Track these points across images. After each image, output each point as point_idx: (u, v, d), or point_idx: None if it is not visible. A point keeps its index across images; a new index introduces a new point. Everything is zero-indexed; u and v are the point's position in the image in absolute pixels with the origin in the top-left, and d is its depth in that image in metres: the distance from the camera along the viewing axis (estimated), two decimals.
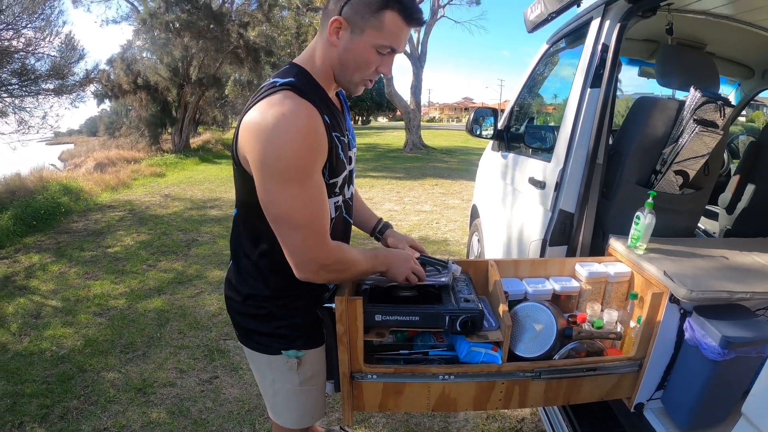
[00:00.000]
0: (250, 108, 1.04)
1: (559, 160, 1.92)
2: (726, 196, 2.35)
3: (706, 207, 2.35)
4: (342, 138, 1.15)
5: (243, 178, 1.10)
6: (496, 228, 2.82)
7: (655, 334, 1.38)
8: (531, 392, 1.34)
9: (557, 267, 1.65)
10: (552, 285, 1.56)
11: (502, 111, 3.11)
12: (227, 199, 8.04)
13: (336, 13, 1.06)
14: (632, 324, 1.47)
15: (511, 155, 2.71)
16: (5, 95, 8.35)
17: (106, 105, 21.13)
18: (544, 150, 2.29)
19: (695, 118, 1.71)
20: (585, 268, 1.57)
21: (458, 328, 1.22)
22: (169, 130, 17.40)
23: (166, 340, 3.13)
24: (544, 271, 1.64)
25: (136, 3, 16.85)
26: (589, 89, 1.83)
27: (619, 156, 1.87)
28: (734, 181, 2.32)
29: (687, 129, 1.74)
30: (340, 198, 1.20)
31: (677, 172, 1.80)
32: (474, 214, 3.61)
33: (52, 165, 12.94)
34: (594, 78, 1.82)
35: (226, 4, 16.72)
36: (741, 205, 2.25)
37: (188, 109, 17.00)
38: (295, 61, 1.16)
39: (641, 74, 3.02)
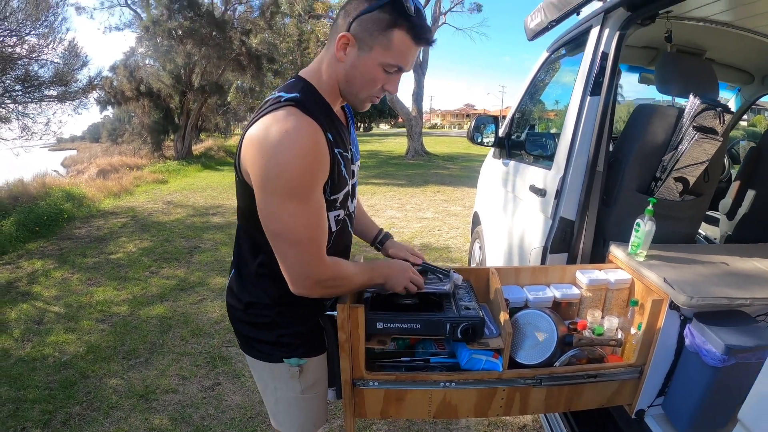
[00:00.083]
0: (254, 122, 1.04)
1: (560, 167, 1.93)
2: (726, 202, 2.35)
3: (707, 213, 2.36)
4: (345, 153, 1.15)
5: (244, 190, 1.11)
6: (497, 235, 2.83)
7: (656, 340, 1.38)
8: (532, 399, 1.35)
9: (558, 274, 1.66)
10: (553, 292, 1.57)
11: (504, 117, 3.13)
12: (229, 206, 8.06)
13: (344, 29, 1.06)
14: (633, 331, 1.48)
15: (512, 163, 2.72)
16: (9, 101, 8.39)
17: (109, 111, 21.20)
18: (545, 157, 2.30)
19: (695, 125, 1.72)
20: (585, 276, 1.57)
21: (459, 336, 1.23)
22: (172, 137, 17.46)
23: (169, 347, 3.14)
24: (545, 279, 1.65)
25: (138, 10, 16.96)
26: (588, 97, 1.84)
27: (619, 163, 1.88)
28: (735, 186, 2.32)
29: (686, 136, 1.74)
30: (342, 212, 1.21)
31: (677, 179, 1.81)
32: (476, 221, 3.62)
33: (54, 171, 12.99)
34: (594, 86, 1.83)
35: (229, 12, 16.81)
36: (742, 210, 2.26)
37: (191, 116, 17.05)
38: (302, 73, 1.16)
39: (641, 81, 3.04)
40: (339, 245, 1.26)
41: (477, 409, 1.33)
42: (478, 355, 1.28)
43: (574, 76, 2.01)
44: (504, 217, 2.70)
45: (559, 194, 1.90)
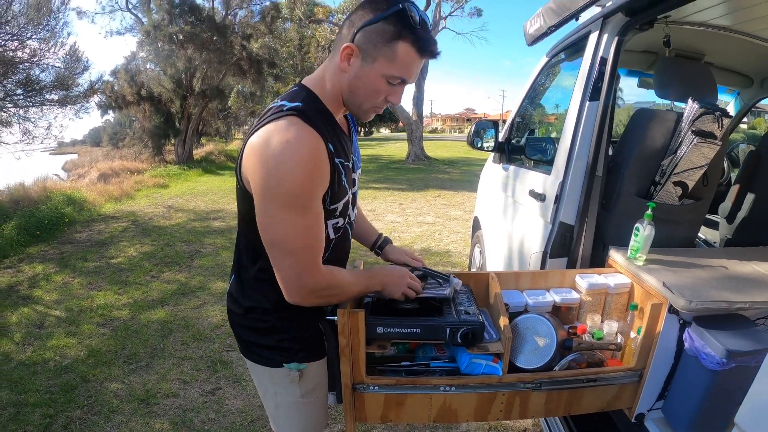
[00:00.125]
0: (256, 130, 1.04)
1: (559, 172, 1.94)
2: (726, 206, 2.36)
3: (707, 216, 2.36)
4: (346, 163, 1.15)
5: (244, 197, 1.11)
6: (497, 240, 2.84)
7: (655, 344, 1.39)
8: (532, 403, 1.35)
9: (557, 279, 1.66)
10: (552, 297, 1.57)
11: (504, 121, 3.14)
12: (230, 210, 8.07)
13: (349, 39, 1.06)
14: (632, 335, 1.48)
15: (511, 167, 2.73)
16: (10, 105, 8.40)
17: (110, 116, 21.33)
18: (544, 162, 2.31)
19: (693, 129, 1.73)
20: (585, 280, 1.58)
21: (459, 340, 1.23)
22: (173, 141, 17.51)
23: (170, 351, 3.14)
24: (545, 283, 1.65)
25: (140, 15, 17.04)
26: (588, 102, 1.85)
27: (618, 168, 1.88)
28: (734, 190, 2.33)
29: (685, 140, 1.75)
30: (341, 220, 1.21)
31: (676, 183, 1.81)
32: (476, 225, 3.63)
33: (55, 175, 12.99)
34: (593, 91, 1.84)
35: (230, 17, 16.88)
36: (741, 214, 2.26)
37: (191, 120, 17.10)
38: (305, 82, 1.16)
39: (640, 85, 3.05)
40: (338, 252, 1.26)
41: (477, 414, 1.33)
42: (477, 360, 1.28)
43: (574, 81, 2.02)
44: (504, 222, 2.71)
45: (558, 199, 1.91)
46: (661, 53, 2.55)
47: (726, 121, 1.74)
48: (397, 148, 25.58)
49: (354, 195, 1.28)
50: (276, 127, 1.01)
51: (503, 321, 1.29)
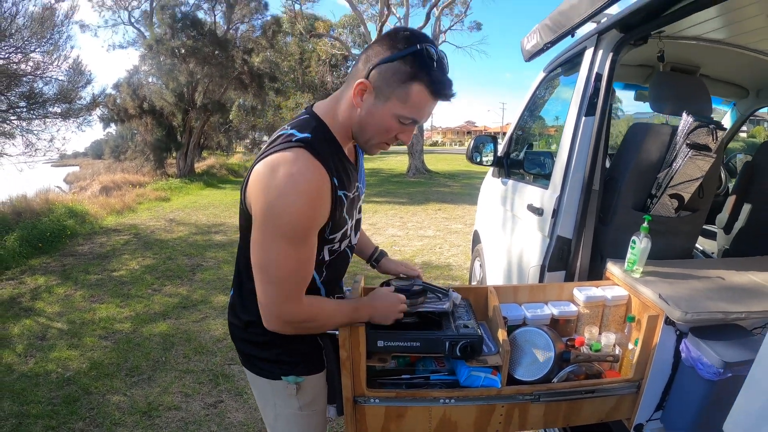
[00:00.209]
0: (264, 156, 1.05)
1: (556, 187, 1.97)
2: (723, 217, 2.38)
3: (705, 227, 2.38)
4: (349, 194, 1.16)
5: (246, 217, 1.12)
6: (497, 254, 2.86)
7: (652, 355, 1.40)
8: (531, 415, 1.36)
9: (555, 292, 1.68)
10: (550, 310, 1.59)
11: (504, 134, 3.17)
12: (232, 224, 8.10)
13: (363, 75, 1.06)
14: (630, 346, 1.50)
15: (510, 182, 2.76)
16: (13, 118, 8.45)
17: (112, 129, 21.46)
18: (542, 177, 2.34)
19: (688, 142, 1.76)
20: (583, 293, 1.60)
21: (458, 353, 1.25)
22: (174, 155, 17.58)
23: (171, 364, 3.15)
24: (543, 296, 1.67)
25: (142, 29, 17.27)
26: (584, 117, 1.88)
27: (615, 182, 1.91)
28: (731, 201, 2.35)
29: (680, 153, 1.78)
30: (340, 244, 1.21)
31: (672, 196, 1.84)
32: (476, 239, 3.65)
33: (57, 187, 13.02)
34: (588, 106, 1.87)
35: (231, 31, 17.04)
36: (738, 224, 2.28)
37: (193, 133, 17.19)
38: (316, 109, 1.16)
39: (637, 98, 3.09)
40: (333, 273, 1.27)
41: (476, 426, 1.35)
42: (477, 372, 1.30)
43: (570, 96, 2.05)
44: (503, 236, 2.73)
45: (556, 213, 1.94)
46: (656, 67, 2.59)
47: (720, 133, 1.77)
48: (398, 162, 25.67)
49: (357, 221, 1.29)
50: (283, 158, 1.01)
51: (502, 334, 1.31)
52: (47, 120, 9.12)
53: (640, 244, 1.60)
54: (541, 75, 2.74)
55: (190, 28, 15.41)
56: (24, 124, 8.69)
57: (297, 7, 19.54)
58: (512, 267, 2.46)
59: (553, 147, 2.16)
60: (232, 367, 3.10)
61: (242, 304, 1.25)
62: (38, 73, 8.44)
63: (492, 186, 3.22)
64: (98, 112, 14.21)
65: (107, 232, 7.48)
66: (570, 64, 2.31)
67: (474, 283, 3.67)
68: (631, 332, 1.53)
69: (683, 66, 2.46)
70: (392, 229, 7.61)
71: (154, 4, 16.72)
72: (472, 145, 2.95)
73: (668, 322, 1.40)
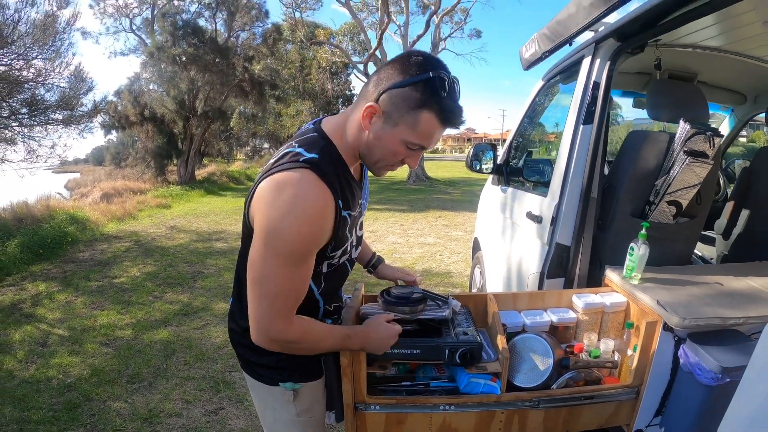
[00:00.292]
0: (271, 172, 1.04)
1: (555, 195, 1.98)
2: (721, 222, 2.39)
3: (704, 233, 2.39)
4: (352, 213, 1.16)
5: (248, 228, 1.12)
6: (497, 261, 2.87)
7: (651, 361, 1.41)
8: (530, 421, 1.37)
9: (554, 299, 1.69)
10: (549, 317, 1.60)
11: (504, 141, 3.19)
12: (232, 231, 8.11)
13: (373, 98, 1.05)
14: (629, 352, 1.51)
15: (509, 189, 2.77)
16: (15, 124, 8.47)
17: (113, 135, 21.45)
18: (541, 184, 2.35)
19: (685, 149, 1.77)
20: (581, 300, 1.61)
21: (458, 360, 1.26)
22: (175, 162, 17.60)
23: (172, 371, 3.16)
24: (542, 304, 1.68)
25: (143, 36, 17.33)
26: (582, 126, 1.90)
27: (613, 189, 1.93)
28: (729, 206, 2.36)
29: (678, 160, 1.79)
30: (338, 259, 1.21)
31: (670, 203, 1.85)
32: (476, 246, 3.66)
33: (58, 194, 13.05)
34: (586, 115, 1.89)
35: (232, 39, 17.11)
36: (736, 230, 2.29)
37: (194, 141, 17.22)
38: (325, 126, 1.16)
39: (636, 105, 3.11)
40: (331, 285, 1.27)
41: None
42: (476, 379, 1.31)
43: (568, 105, 2.07)
44: (503, 243, 2.74)
45: (554, 221, 1.95)
46: (654, 74, 2.61)
47: (717, 140, 1.79)
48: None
49: (358, 238, 1.29)
50: (289, 178, 1.01)
51: (501, 341, 1.33)
52: (49, 126, 9.13)
53: (638, 251, 1.61)
54: (540, 83, 2.77)
55: (191, 36, 15.47)
56: (25, 130, 8.70)
57: (297, 14, 19.65)
58: (512, 274, 2.47)
59: (553, 154, 2.17)
60: (233, 374, 3.10)
61: (241, 311, 1.26)
62: (40, 79, 8.47)
63: (492, 193, 3.24)
64: (99, 119, 14.24)
65: (108, 239, 7.49)
66: (568, 72, 2.34)
67: (474, 290, 3.68)
68: (630, 338, 1.54)
69: (681, 73, 2.49)
70: (393, 236, 7.62)
71: (156, 12, 16.80)
72: (471, 153, 2.97)
73: (666, 328, 1.41)
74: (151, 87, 17.04)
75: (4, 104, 7.95)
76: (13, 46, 7.63)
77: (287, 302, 1.07)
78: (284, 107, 25.18)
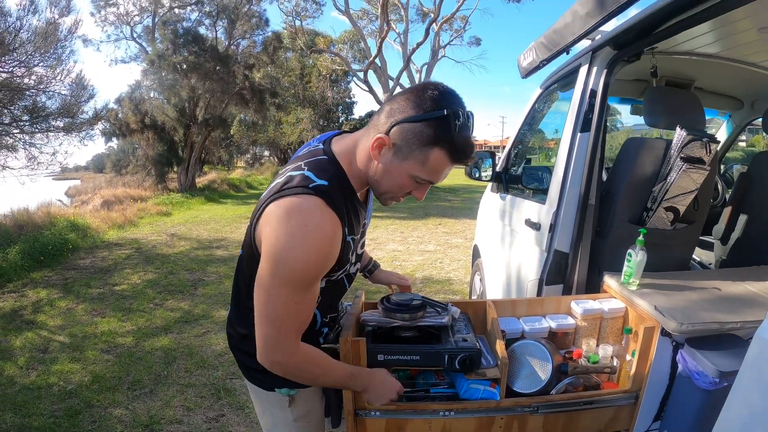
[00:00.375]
0: (279, 196, 1.03)
1: (553, 202, 2.00)
2: (719, 227, 2.40)
3: (703, 238, 2.40)
4: (356, 237, 1.17)
5: (252, 248, 1.12)
6: (496, 268, 2.88)
7: (649, 366, 1.42)
8: (530, 427, 1.38)
9: (553, 305, 1.70)
10: (548, 323, 1.61)
11: (504, 148, 3.21)
12: (233, 239, 8.12)
13: (384, 130, 1.05)
14: (628, 358, 1.51)
15: (508, 197, 2.79)
16: (16, 131, 8.49)
17: (114, 143, 21.48)
18: (539, 192, 2.37)
19: (682, 156, 1.78)
20: (580, 306, 1.62)
21: (457, 366, 1.27)
22: (176, 169, 17.61)
23: (173, 378, 3.16)
24: (541, 310, 1.69)
25: (144, 44, 17.39)
26: (579, 133, 1.92)
27: (610, 196, 1.94)
28: (727, 212, 2.37)
29: (675, 167, 1.81)
30: (341, 274, 1.22)
31: (667, 209, 1.86)
32: (476, 253, 3.67)
33: (59, 200, 13.07)
34: (583, 122, 1.91)
35: (232, 47, 17.18)
36: (735, 235, 2.30)
37: (194, 148, 17.25)
38: (335, 148, 1.15)
39: (633, 112, 3.13)
40: (329, 299, 1.28)
41: None
42: (476, 385, 1.32)
43: (566, 112, 2.09)
44: (502, 250, 2.75)
45: (553, 228, 1.96)
46: (651, 81, 2.63)
47: (713, 146, 1.80)
48: None
49: (358, 255, 1.29)
50: (298, 205, 1.00)
51: (500, 347, 1.34)
52: (50, 134, 9.15)
53: (636, 257, 1.62)
54: (538, 91, 2.79)
55: (192, 44, 15.53)
56: (27, 137, 8.72)
57: (297, 23, 19.77)
58: (511, 281, 2.48)
59: (552, 161, 2.19)
60: (234, 381, 3.10)
61: (239, 318, 1.28)
62: (41, 87, 8.50)
63: (491, 201, 3.25)
64: (100, 126, 14.27)
65: (109, 246, 7.50)
66: (565, 80, 2.36)
67: (474, 297, 3.69)
68: (629, 344, 1.55)
69: (678, 80, 2.51)
70: (393, 243, 7.63)
71: (156, 20, 16.88)
72: None
73: (664, 333, 1.42)
74: (151, 95, 17.08)
75: (6, 111, 7.99)
76: (14, 54, 7.67)
77: (292, 327, 1.08)
78: (284, 115, 25.25)
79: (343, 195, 1.09)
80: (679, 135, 1.81)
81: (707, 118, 2.93)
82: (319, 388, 1.33)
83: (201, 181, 19.25)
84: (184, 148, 17.24)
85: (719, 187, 3.15)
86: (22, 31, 7.59)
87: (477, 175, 2.98)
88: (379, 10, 16.48)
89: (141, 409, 2.79)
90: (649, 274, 1.71)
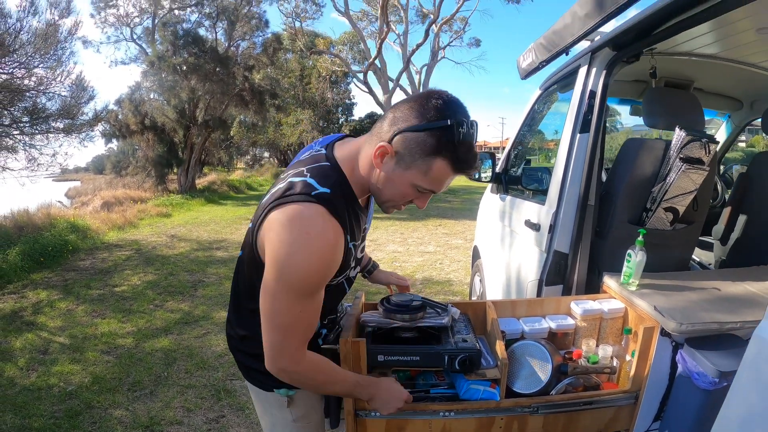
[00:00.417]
0: (281, 202, 1.02)
1: (552, 203, 2.00)
2: (719, 228, 2.40)
3: (701, 238, 2.40)
4: (357, 243, 1.17)
5: (253, 251, 1.12)
6: (496, 269, 2.89)
7: (649, 367, 1.42)
8: (530, 427, 1.38)
9: (553, 306, 1.70)
10: (548, 323, 1.61)
11: (504, 149, 3.22)
12: (233, 240, 8.12)
13: (386, 138, 1.04)
14: (627, 358, 1.52)
15: (508, 198, 2.79)
16: (16, 132, 8.50)
17: (114, 144, 21.51)
18: (539, 192, 2.37)
19: (681, 156, 1.79)
20: (580, 306, 1.62)
21: (457, 367, 1.28)
22: (176, 171, 17.61)
23: (173, 379, 3.16)
24: (541, 310, 1.69)
25: (144, 45, 17.39)
26: (578, 134, 1.92)
27: (610, 196, 1.94)
28: (726, 212, 2.38)
29: (674, 167, 1.81)
30: (341, 279, 1.22)
31: (667, 209, 1.87)
32: (475, 254, 3.68)
33: (59, 202, 13.07)
34: (583, 123, 1.91)
35: (232, 48, 17.19)
36: (734, 235, 2.30)
37: (194, 150, 17.25)
38: (337, 154, 1.14)
39: (633, 113, 3.13)
40: (328, 303, 1.26)
41: None
42: (476, 386, 1.32)
43: (566, 113, 2.10)
44: (502, 251, 2.76)
45: (552, 228, 1.97)
46: (650, 82, 2.63)
47: (713, 147, 1.81)
48: None
49: (358, 259, 1.29)
50: (300, 214, 1.00)
51: (500, 348, 1.34)
52: (50, 135, 9.15)
53: (635, 258, 1.62)
54: (538, 92, 2.79)
55: (192, 45, 15.53)
56: (27, 138, 8.73)
57: (297, 24, 19.79)
58: (511, 282, 2.49)
59: (551, 162, 2.19)
60: (234, 382, 3.10)
61: (238, 320, 1.28)
62: (41, 88, 8.51)
63: (491, 202, 3.26)
64: (100, 127, 14.29)
65: (109, 248, 7.50)
66: (565, 81, 2.36)
67: (474, 298, 3.69)
68: (628, 344, 1.55)
69: (677, 80, 2.51)
70: (393, 245, 7.63)
71: (156, 21, 16.88)
72: None
73: (664, 333, 1.42)
74: (151, 96, 17.08)
75: (6, 112, 7.99)
76: (14, 55, 7.68)
77: (298, 334, 1.08)
78: (284, 116, 25.29)
79: (345, 202, 1.08)
80: (678, 135, 1.81)
81: (706, 118, 2.93)
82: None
83: (201, 182, 19.26)
84: (184, 150, 17.24)
85: (719, 187, 3.15)
86: (22, 32, 7.60)
87: (477, 176, 2.98)
88: (379, 12, 16.50)
89: (141, 410, 2.79)
90: (649, 275, 1.71)
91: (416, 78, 19.64)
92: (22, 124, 8.47)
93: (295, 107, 26.76)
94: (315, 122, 28.84)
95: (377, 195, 1.14)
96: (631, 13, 1.70)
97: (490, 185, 3.31)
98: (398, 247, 7.45)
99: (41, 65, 8.30)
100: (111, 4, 16.83)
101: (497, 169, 2.97)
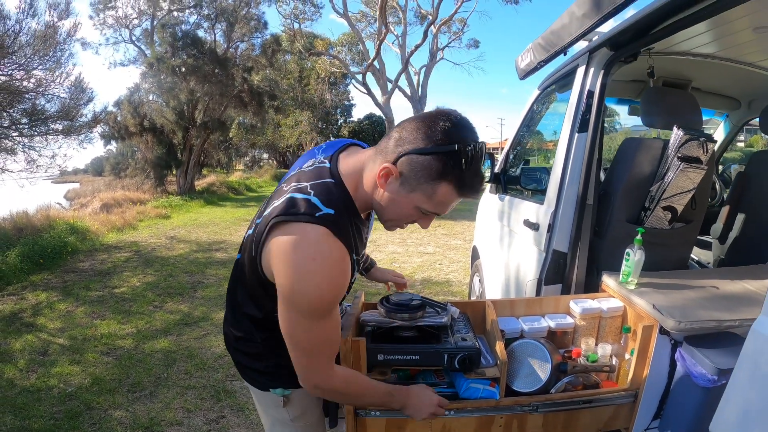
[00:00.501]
0: (284, 219, 1.01)
1: (551, 202, 2.01)
2: (717, 227, 2.41)
3: (700, 237, 2.41)
4: (358, 258, 1.17)
5: (254, 263, 1.10)
6: (495, 269, 2.89)
7: (648, 365, 1.43)
8: (529, 425, 1.39)
9: (552, 305, 1.71)
10: (547, 322, 1.62)
11: (502, 149, 3.22)
12: (232, 241, 8.12)
13: (391, 159, 1.02)
14: (627, 356, 1.53)
15: (507, 198, 2.80)
16: (15, 134, 8.49)
17: (113, 146, 21.49)
18: (538, 192, 2.38)
19: (679, 155, 1.80)
20: (579, 305, 1.63)
21: (457, 366, 1.28)
22: (175, 172, 17.59)
23: (173, 380, 3.16)
24: (540, 310, 1.70)
25: (143, 47, 17.37)
26: (576, 134, 1.93)
27: (608, 196, 1.95)
28: (724, 211, 2.38)
29: (672, 166, 1.82)
30: None
31: (665, 208, 1.87)
32: (475, 255, 3.68)
33: (58, 203, 13.04)
34: (581, 123, 1.92)
35: (231, 50, 17.17)
36: (732, 234, 2.31)
37: (193, 151, 17.23)
38: (341, 168, 1.12)
39: (631, 113, 3.14)
40: None
41: None
42: (475, 384, 1.33)
43: (564, 113, 2.10)
44: (501, 251, 2.76)
45: (551, 228, 1.97)
46: (648, 82, 2.64)
47: (710, 146, 1.81)
48: None
49: (359, 266, 1.29)
50: (305, 237, 0.98)
51: (499, 346, 1.34)
52: (49, 137, 9.14)
53: (634, 257, 1.63)
54: (536, 92, 2.80)
55: (191, 47, 15.52)
56: (26, 140, 8.72)
57: (296, 25, 19.77)
58: (510, 281, 2.49)
59: (550, 162, 2.20)
60: (234, 383, 3.10)
61: (234, 319, 1.29)
62: (40, 90, 8.50)
63: (490, 202, 3.26)
64: (99, 129, 14.28)
65: (108, 249, 7.49)
66: (563, 81, 2.37)
67: (473, 298, 3.70)
68: (627, 343, 1.56)
69: (675, 80, 2.52)
70: (392, 245, 7.63)
71: (155, 23, 16.87)
72: None
73: (663, 331, 1.43)
74: (150, 97, 17.06)
75: (5, 114, 7.99)
76: (14, 57, 7.67)
77: (324, 353, 1.08)
78: (283, 117, 25.29)
79: (350, 220, 1.07)
80: (676, 135, 1.82)
81: (704, 118, 2.94)
82: None
83: (200, 183, 19.25)
84: (183, 151, 17.22)
85: (717, 186, 3.16)
86: (21, 34, 7.60)
87: None
88: (378, 13, 16.50)
89: (141, 411, 2.79)
90: (648, 274, 1.72)
91: (415, 79, 19.62)
92: (21, 126, 8.46)
93: (294, 108, 26.76)
94: (314, 123, 28.86)
95: (380, 214, 1.12)
96: (629, 13, 1.71)
97: (489, 185, 3.32)
98: (397, 247, 7.46)
99: (40, 67, 8.30)
100: (110, 5, 16.82)
101: (496, 170, 2.98)
